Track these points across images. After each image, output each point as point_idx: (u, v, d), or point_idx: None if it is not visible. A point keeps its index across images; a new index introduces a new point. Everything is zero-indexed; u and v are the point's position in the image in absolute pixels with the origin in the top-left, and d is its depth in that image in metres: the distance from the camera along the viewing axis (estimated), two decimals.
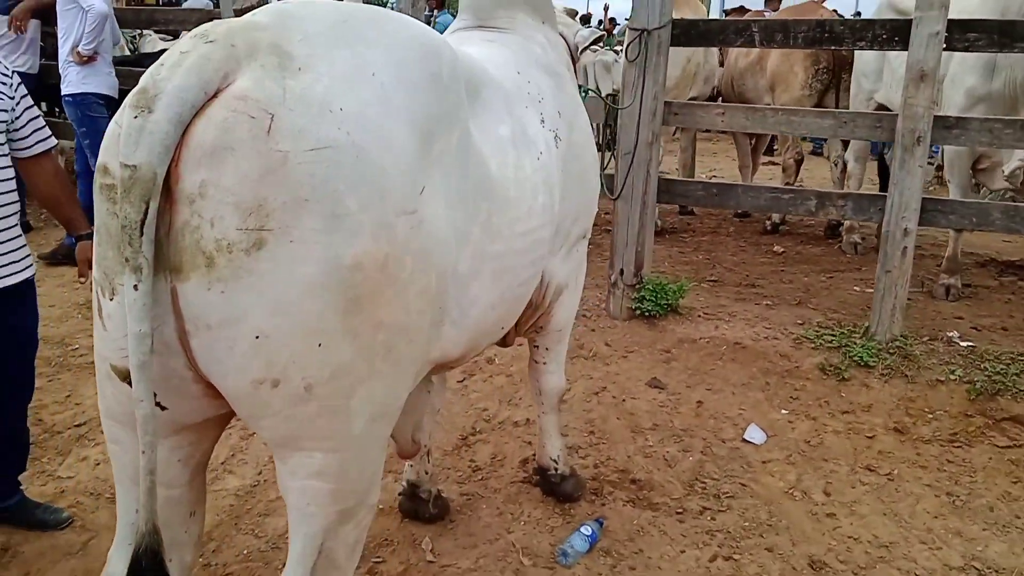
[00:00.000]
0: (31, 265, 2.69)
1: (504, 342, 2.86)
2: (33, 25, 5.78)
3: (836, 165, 6.67)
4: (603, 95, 4.57)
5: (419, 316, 1.62)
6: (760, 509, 3.06)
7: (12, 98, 2.59)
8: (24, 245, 2.67)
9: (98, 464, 3.33)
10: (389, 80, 1.57)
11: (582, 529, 2.86)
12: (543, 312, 2.67)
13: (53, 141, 2.76)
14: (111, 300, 1.47)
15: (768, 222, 6.78)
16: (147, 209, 1.33)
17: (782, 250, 6.10)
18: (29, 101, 2.67)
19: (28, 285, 2.69)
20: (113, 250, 1.42)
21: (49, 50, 6.08)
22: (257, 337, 1.42)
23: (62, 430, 3.58)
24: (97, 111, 5.31)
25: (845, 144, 6.36)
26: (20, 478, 2.96)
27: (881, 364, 3.86)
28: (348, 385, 1.51)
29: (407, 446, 2.42)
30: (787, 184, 6.53)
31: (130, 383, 1.43)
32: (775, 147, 9.03)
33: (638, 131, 4.07)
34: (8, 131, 2.59)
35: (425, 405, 2.51)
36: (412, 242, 1.54)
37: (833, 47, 4.14)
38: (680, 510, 3.06)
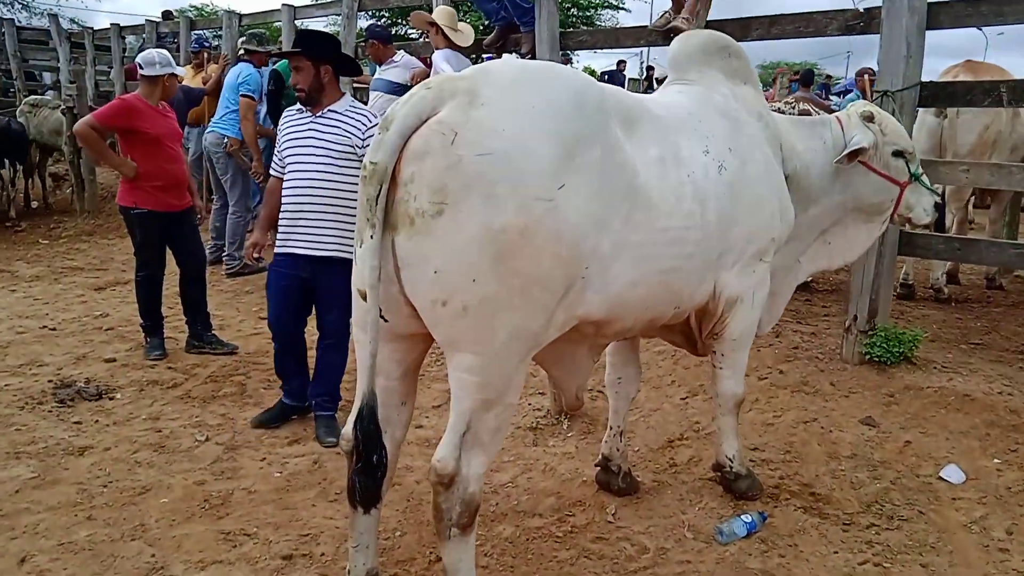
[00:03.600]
0: (344, 249, 3.92)
1: (695, 351, 3.40)
2: None
3: None
4: None
5: (551, 272, 2.30)
6: (930, 534, 3.19)
7: (362, 137, 3.92)
8: (347, 235, 3.90)
9: None
10: (542, 112, 2.32)
11: (743, 517, 3.25)
12: (718, 320, 3.16)
13: None
14: (360, 247, 2.38)
15: None
16: (380, 188, 2.21)
17: None
18: None
19: (350, 263, 3.90)
20: (362, 215, 2.33)
21: None
22: (435, 272, 2.22)
23: None
24: None
25: None
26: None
27: None
28: (492, 310, 2.25)
29: (572, 400, 3.08)
30: None
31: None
32: None
33: None
34: (359, 158, 3.87)
35: (588, 372, 3.12)
36: (546, 220, 2.25)
37: None
38: (848, 522, 3.29)
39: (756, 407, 4.31)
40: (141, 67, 5.18)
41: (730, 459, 3.47)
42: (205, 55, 10.02)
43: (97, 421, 4.26)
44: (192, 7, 29.96)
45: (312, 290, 4.09)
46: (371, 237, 2.24)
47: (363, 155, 3.81)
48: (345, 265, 3.93)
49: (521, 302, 2.28)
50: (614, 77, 17.65)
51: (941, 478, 3.57)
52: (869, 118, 3.47)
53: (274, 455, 3.97)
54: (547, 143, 2.29)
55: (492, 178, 2.19)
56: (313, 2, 9.54)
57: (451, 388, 2.40)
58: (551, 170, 2.27)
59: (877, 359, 4.50)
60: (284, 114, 4.19)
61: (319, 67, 3.95)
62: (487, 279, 2.22)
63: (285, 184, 4.04)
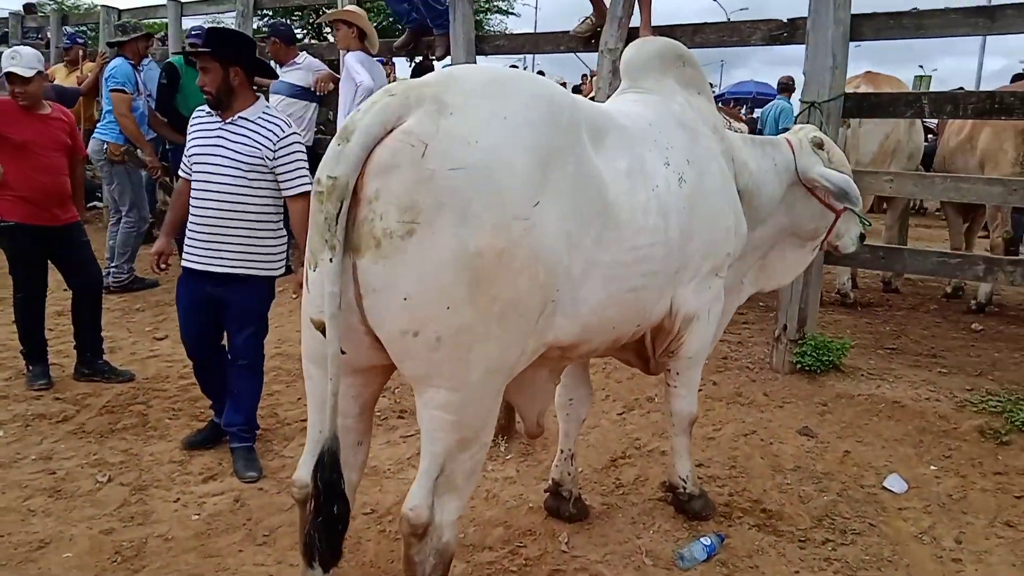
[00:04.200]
0: (250, 266, 3.72)
1: (647, 370, 3.28)
2: (313, 108, 7.01)
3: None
4: None
5: (529, 297, 2.12)
6: (884, 547, 3.18)
7: (274, 149, 3.59)
8: (257, 251, 3.71)
9: None
10: (517, 123, 2.14)
11: (702, 540, 3.15)
12: (674, 338, 3.04)
13: (303, 189, 3.64)
14: (313, 271, 2.13)
15: (974, 302, 6.56)
16: (341, 206, 1.97)
17: (981, 328, 5.91)
18: (294, 156, 3.63)
19: (261, 280, 3.78)
20: (317, 236, 2.08)
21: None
22: (405, 299, 2.00)
23: (291, 423, 4.40)
24: None
25: None
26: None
27: None
28: (468, 341, 2.05)
29: (533, 427, 2.91)
30: None
31: (323, 332, 2.08)
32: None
33: None
34: (271, 170, 3.61)
35: (550, 396, 2.97)
36: (524, 240, 2.07)
37: (1003, 118, 4.19)
38: (803, 539, 3.24)
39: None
40: None
41: (683, 480, 3.37)
42: (80, 52, 9.31)
43: None
44: (57, 1, 27.87)
45: (223, 306, 3.79)
46: (330, 260, 2.00)
47: (275, 167, 3.60)
48: (255, 282, 3.74)
49: (499, 331, 2.09)
50: None
51: (885, 488, 3.59)
52: (819, 145, 3.45)
53: (189, 495, 3.61)
54: (523, 156, 2.11)
55: (466, 195, 2.00)
56: None
57: (422, 428, 2.18)
58: (528, 186, 2.10)
59: (808, 368, 4.54)
60: (194, 113, 3.84)
61: (228, 69, 3.61)
62: (462, 306, 2.02)
63: (191, 194, 3.73)
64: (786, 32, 4.63)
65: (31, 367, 4.84)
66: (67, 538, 3.18)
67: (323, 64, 7.13)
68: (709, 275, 3.03)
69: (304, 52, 7.07)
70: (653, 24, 5.54)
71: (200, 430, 4.12)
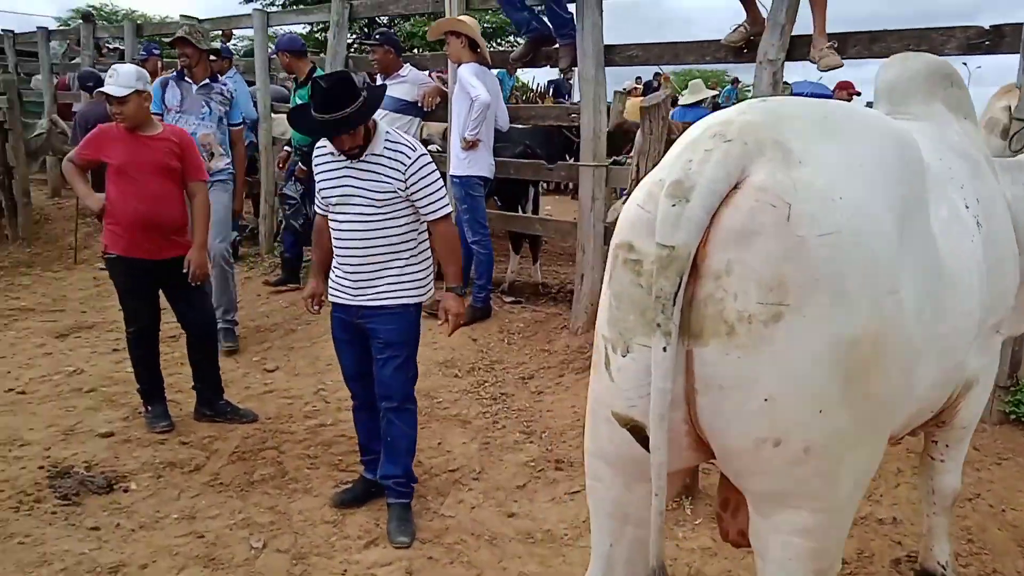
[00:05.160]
0: (395, 296, 3.39)
1: (896, 441, 2.81)
2: (417, 123, 6.59)
3: None
4: None
5: (897, 391, 1.70)
6: None
7: (404, 179, 3.30)
8: (401, 280, 3.40)
9: (473, 508, 3.66)
10: (873, 170, 1.72)
11: None
12: (949, 406, 2.58)
13: (442, 212, 3.40)
14: (623, 356, 1.69)
15: None
16: (680, 283, 1.54)
17: None
18: (428, 180, 3.34)
19: (407, 308, 3.42)
20: (635, 315, 1.65)
21: None
22: (766, 400, 1.57)
23: (439, 473, 3.99)
24: (477, 191, 5.87)
25: None
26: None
27: None
28: (841, 451, 1.61)
29: None
30: None
31: (630, 430, 1.66)
32: None
33: None
34: (407, 198, 3.33)
35: None
36: (895, 321, 1.64)
37: None
38: None
39: (902, 479, 3.76)
40: None
41: (943, 565, 2.90)
42: (158, 64, 9.02)
43: (118, 525, 3.39)
44: (91, 7, 27.15)
45: (370, 338, 3.49)
46: (664, 349, 1.55)
47: (410, 195, 3.29)
48: (402, 310, 3.38)
49: (872, 435, 1.68)
50: (560, 86, 16.52)
51: None
52: None
53: (354, 565, 3.20)
54: (887, 214, 1.68)
55: (839, 268, 1.56)
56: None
57: (766, 555, 1.73)
58: (894, 250, 1.66)
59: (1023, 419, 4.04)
60: (316, 149, 3.50)
61: (368, 123, 3.31)
62: (837, 409, 1.59)
63: (332, 233, 3.47)
64: (989, 40, 4.13)
65: (149, 407, 4.48)
66: None
67: (427, 77, 6.74)
68: (991, 332, 2.56)
69: (408, 64, 6.69)
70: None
71: (348, 486, 3.75)
